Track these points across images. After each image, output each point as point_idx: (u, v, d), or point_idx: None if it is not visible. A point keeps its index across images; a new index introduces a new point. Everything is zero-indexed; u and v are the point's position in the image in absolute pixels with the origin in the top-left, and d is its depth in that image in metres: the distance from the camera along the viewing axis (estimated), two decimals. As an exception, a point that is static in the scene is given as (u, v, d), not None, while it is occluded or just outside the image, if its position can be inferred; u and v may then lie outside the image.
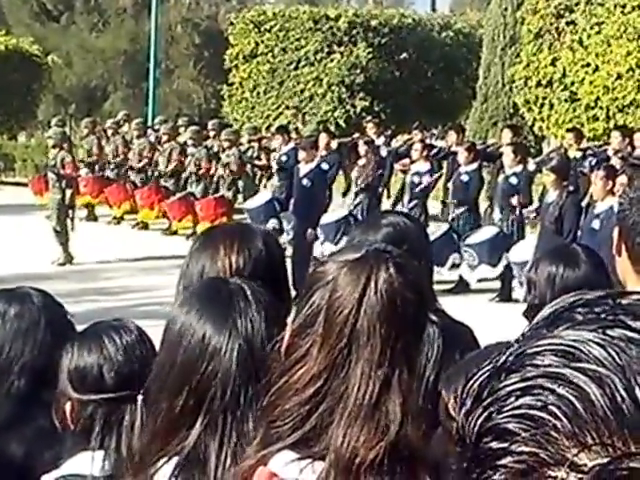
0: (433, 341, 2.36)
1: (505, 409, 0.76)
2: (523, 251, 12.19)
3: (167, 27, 37.73)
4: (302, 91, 26.62)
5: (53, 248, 15.23)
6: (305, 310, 1.82)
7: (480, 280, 13.28)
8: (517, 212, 13.41)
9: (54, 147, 15.91)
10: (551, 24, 21.43)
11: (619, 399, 0.74)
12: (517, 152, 13.67)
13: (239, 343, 2.02)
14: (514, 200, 13.37)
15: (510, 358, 0.78)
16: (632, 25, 19.90)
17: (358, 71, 26.26)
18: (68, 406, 2.56)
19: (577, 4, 21.15)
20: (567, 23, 21.24)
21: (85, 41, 39.36)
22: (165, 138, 19.72)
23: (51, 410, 2.60)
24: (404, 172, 16.49)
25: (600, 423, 0.73)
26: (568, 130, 16.56)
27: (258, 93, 27.19)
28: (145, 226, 19.38)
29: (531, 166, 14.38)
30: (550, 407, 0.75)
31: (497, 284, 13.14)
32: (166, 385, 2.06)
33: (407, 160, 16.54)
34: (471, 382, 0.80)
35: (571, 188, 12.40)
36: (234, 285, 2.12)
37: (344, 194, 17.84)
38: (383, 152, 17.20)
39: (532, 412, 0.75)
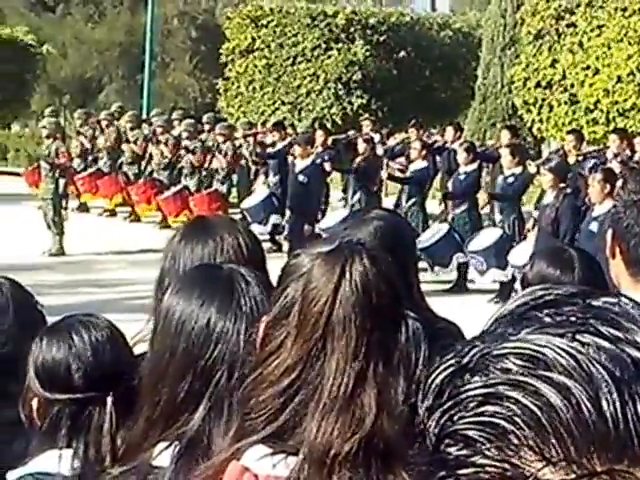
0: (419, 340, 2.24)
1: (467, 415, 0.73)
2: (522, 254, 12.06)
3: (164, 20, 37.58)
4: (298, 87, 26.50)
5: (44, 239, 15.06)
6: (280, 302, 1.81)
7: (494, 281, 13.10)
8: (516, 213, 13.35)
9: (48, 137, 15.81)
10: (551, 26, 21.34)
11: (585, 412, 0.70)
12: (515, 153, 13.57)
13: (245, 325, 1.98)
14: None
15: (474, 358, 0.75)
16: (633, 28, 19.81)
17: (355, 68, 26.15)
18: (35, 402, 2.44)
19: (578, 6, 21.06)
20: (567, 25, 21.15)
21: (80, 32, 39.19)
22: (160, 131, 19.58)
23: (18, 404, 2.48)
24: (402, 171, 16.39)
25: (565, 437, 0.70)
26: (568, 132, 16.31)
27: (254, 88, 27.06)
28: (137, 218, 19.18)
29: (532, 169, 14.28)
30: (514, 417, 0.71)
31: (496, 285, 13.04)
32: (167, 373, 2.02)
33: (403, 159, 16.46)
34: (433, 376, 0.77)
35: (568, 190, 12.30)
36: (229, 269, 2.09)
37: (344, 190, 17.77)
38: (379, 150, 17.11)
39: (495, 421, 0.72)
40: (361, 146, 15.75)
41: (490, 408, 0.72)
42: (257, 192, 17.23)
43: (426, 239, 13.52)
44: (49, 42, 35.80)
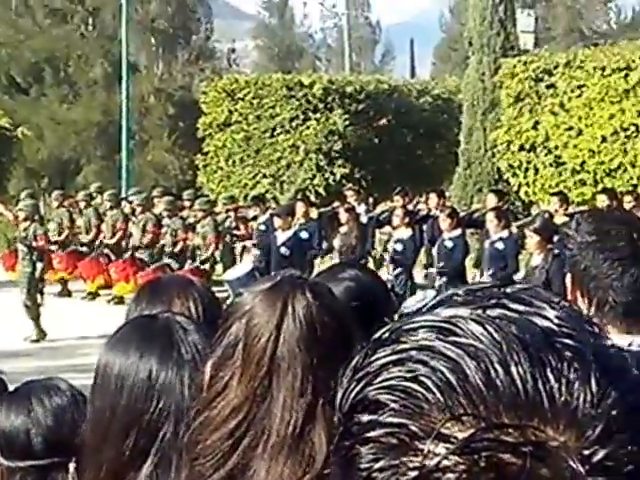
0: None
1: (376, 381, 0.75)
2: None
3: (140, 98, 37.53)
4: (279, 159, 26.31)
5: (26, 325, 14.87)
6: (224, 342, 1.76)
7: None
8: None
9: (25, 220, 15.66)
10: (530, 88, 21.29)
11: (493, 374, 0.72)
12: (500, 217, 13.50)
13: (188, 373, 1.93)
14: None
15: (386, 334, 0.77)
16: (613, 88, 19.74)
17: (335, 138, 25.98)
18: None
19: (556, 67, 21.04)
20: (547, 87, 21.10)
21: (56, 113, 39.04)
22: (139, 209, 19.27)
23: None
24: (387, 241, 16.23)
25: (474, 397, 0.71)
26: (552, 194, 16.28)
27: (234, 162, 26.88)
28: (120, 300, 18.75)
29: (513, 229, 14.14)
30: (421, 378, 0.73)
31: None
32: (110, 432, 1.94)
33: (389, 227, 16.32)
34: (351, 362, 0.78)
35: (556, 251, 12.09)
36: (165, 318, 2.04)
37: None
38: (364, 219, 16.98)
39: (403, 383, 0.73)
40: (343, 216, 15.63)
41: (398, 371, 0.73)
42: (242, 264, 17.01)
43: (410, 306, 13.28)
44: (24, 124, 35.59)
